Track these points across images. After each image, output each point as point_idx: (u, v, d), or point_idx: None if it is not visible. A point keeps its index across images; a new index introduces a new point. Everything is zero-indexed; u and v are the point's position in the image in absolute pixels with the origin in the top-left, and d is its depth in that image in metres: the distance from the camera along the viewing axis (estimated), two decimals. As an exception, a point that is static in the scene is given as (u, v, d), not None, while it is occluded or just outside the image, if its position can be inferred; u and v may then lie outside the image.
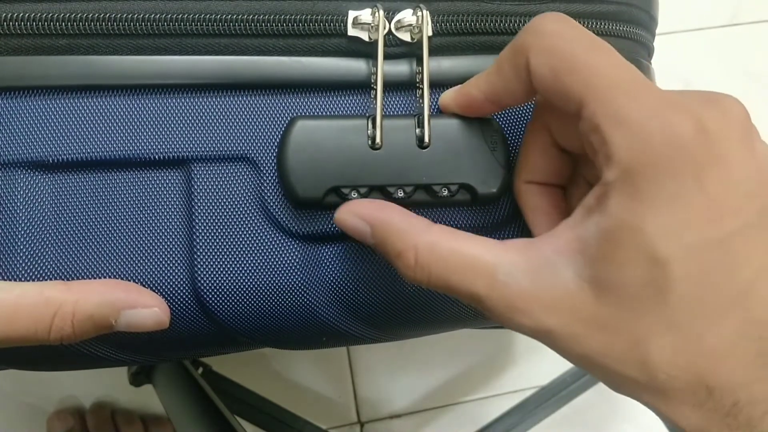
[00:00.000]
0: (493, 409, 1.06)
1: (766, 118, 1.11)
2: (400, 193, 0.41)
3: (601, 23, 0.45)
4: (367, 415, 1.06)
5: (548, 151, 0.41)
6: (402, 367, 1.06)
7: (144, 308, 0.39)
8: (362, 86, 0.43)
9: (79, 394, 1.01)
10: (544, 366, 1.07)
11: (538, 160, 0.41)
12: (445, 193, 0.41)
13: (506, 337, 1.08)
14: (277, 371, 1.04)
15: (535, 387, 1.06)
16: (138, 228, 0.42)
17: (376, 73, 0.41)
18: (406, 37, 0.42)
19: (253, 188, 0.42)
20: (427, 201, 0.42)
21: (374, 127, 0.41)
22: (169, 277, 0.42)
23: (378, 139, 0.40)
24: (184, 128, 0.41)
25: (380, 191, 0.41)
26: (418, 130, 0.41)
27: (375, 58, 0.42)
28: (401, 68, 0.43)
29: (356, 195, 0.41)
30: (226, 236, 0.42)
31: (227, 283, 0.42)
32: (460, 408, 1.08)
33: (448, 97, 0.42)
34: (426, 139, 0.41)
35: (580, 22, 0.44)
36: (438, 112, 0.43)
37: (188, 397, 0.84)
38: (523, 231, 0.45)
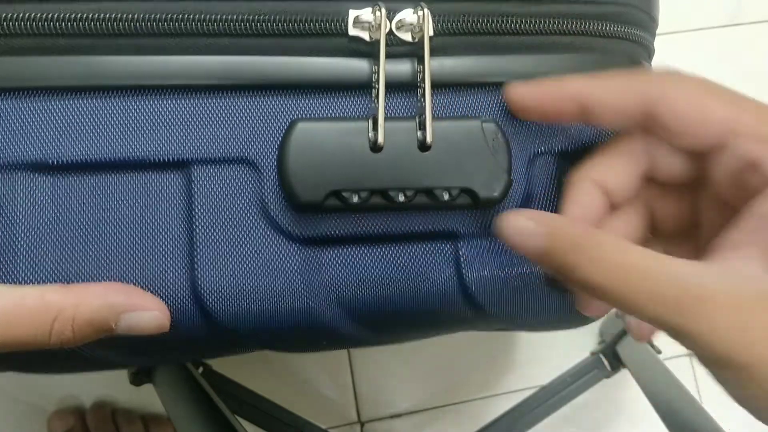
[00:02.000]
0: (493, 409, 1.06)
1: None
2: (401, 197, 0.41)
3: (601, 24, 0.45)
4: (367, 415, 1.06)
5: (632, 163, 0.41)
6: (402, 367, 1.06)
7: (144, 311, 0.39)
8: (363, 87, 0.43)
9: (80, 394, 1.01)
10: (544, 366, 1.07)
11: (617, 165, 0.41)
12: (447, 197, 0.41)
13: (506, 337, 1.08)
14: (277, 371, 1.04)
15: (535, 387, 1.06)
16: (138, 230, 0.42)
17: (377, 73, 0.41)
18: (407, 36, 0.42)
19: (253, 190, 0.42)
20: (428, 204, 0.41)
21: (375, 129, 0.40)
22: (169, 279, 0.42)
23: (380, 142, 0.40)
24: (184, 129, 0.41)
25: (381, 195, 0.41)
26: (419, 133, 0.41)
27: (376, 58, 0.42)
28: (402, 68, 0.43)
29: (357, 199, 0.40)
30: (227, 239, 0.42)
31: (228, 286, 0.42)
32: (460, 408, 1.08)
33: (524, 88, 0.41)
34: (428, 141, 0.40)
35: (581, 23, 0.44)
36: (439, 113, 0.43)
37: (188, 397, 0.84)
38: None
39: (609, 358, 1.05)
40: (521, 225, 0.38)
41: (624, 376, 1.04)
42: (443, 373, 1.07)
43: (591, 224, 0.40)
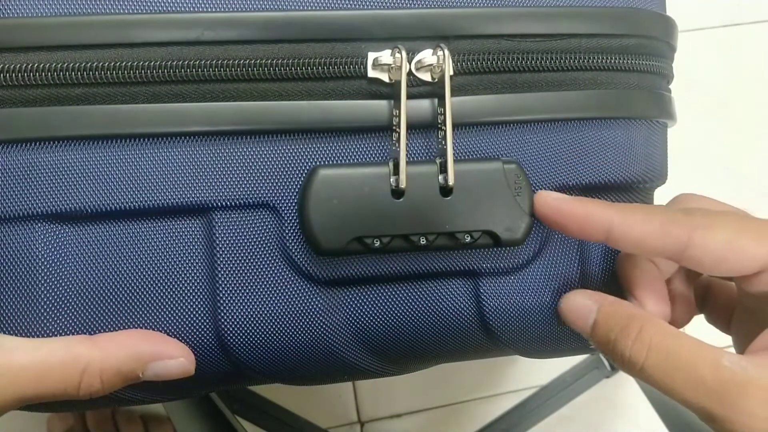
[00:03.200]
0: (493, 409, 1.06)
1: (766, 120, 1.12)
2: (423, 241, 0.41)
3: (623, 58, 0.44)
4: (367, 415, 1.06)
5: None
6: (402, 367, 1.06)
7: (170, 359, 0.39)
8: (384, 129, 0.42)
9: (79, 394, 1.00)
10: (544, 366, 1.07)
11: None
12: (468, 239, 0.41)
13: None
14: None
15: (535, 387, 1.06)
16: (161, 276, 0.41)
17: (398, 117, 0.41)
18: (426, 77, 0.42)
19: (274, 235, 0.42)
20: (449, 246, 0.41)
21: (396, 174, 0.40)
22: (193, 324, 0.42)
23: (401, 187, 0.40)
24: (203, 176, 0.41)
25: (403, 239, 0.41)
26: (440, 177, 0.40)
27: (397, 100, 0.41)
28: (422, 109, 0.42)
29: (378, 244, 0.40)
30: (249, 282, 0.42)
31: (250, 329, 0.42)
32: (460, 408, 1.08)
33: (554, 203, 0.41)
34: (449, 185, 0.40)
35: (602, 58, 0.44)
36: (459, 154, 0.43)
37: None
38: (543, 271, 0.45)
39: (609, 359, 1.05)
40: (579, 302, 0.42)
41: (624, 376, 1.05)
42: (443, 373, 1.07)
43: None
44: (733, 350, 0.39)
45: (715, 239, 0.37)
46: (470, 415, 1.07)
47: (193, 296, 0.42)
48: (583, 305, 0.41)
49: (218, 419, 0.82)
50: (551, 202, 0.41)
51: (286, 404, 1.00)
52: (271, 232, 0.42)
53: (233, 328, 0.42)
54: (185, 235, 0.42)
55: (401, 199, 0.40)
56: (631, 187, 0.46)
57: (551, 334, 0.46)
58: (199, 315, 0.42)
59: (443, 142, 0.41)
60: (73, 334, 0.40)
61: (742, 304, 0.43)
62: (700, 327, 0.46)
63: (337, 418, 1.05)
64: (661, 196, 0.48)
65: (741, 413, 0.34)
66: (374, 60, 0.41)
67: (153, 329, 0.41)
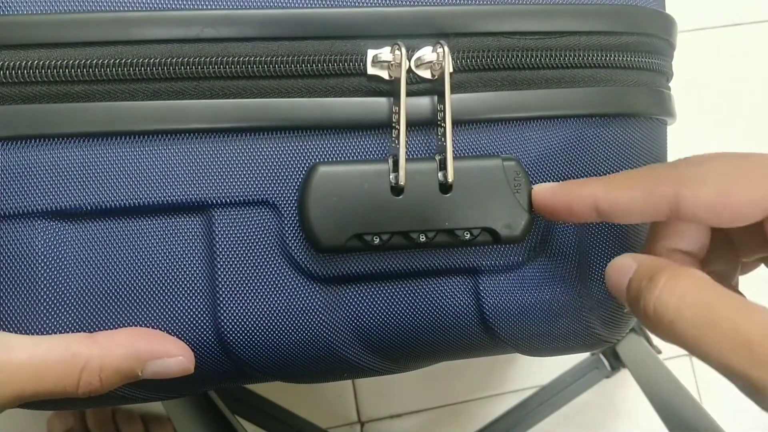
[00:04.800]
0: (493, 409, 1.06)
1: (765, 120, 1.12)
2: (422, 238, 0.41)
3: (622, 56, 0.44)
4: (367, 415, 1.06)
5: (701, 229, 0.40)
6: (402, 367, 1.06)
7: (169, 358, 0.39)
8: (383, 126, 0.42)
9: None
10: (544, 366, 1.07)
11: (689, 233, 0.40)
12: (467, 236, 0.41)
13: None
14: (278, 372, 1.04)
15: (535, 387, 1.06)
16: (160, 273, 0.41)
17: (398, 114, 0.41)
18: (426, 74, 0.42)
19: (274, 232, 0.42)
20: (448, 243, 0.41)
21: (396, 171, 0.40)
22: (192, 321, 0.42)
23: (401, 184, 0.40)
24: (203, 173, 0.41)
25: (403, 236, 0.41)
26: (440, 174, 0.41)
27: (396, 97, 0.41)
28: (421, 106, 0.42)
29: (378, 241, 0.40)
30: (249, 279, 0.42)
31: (250, 326, 0.42)
32: (460, 408, 1.08)
33: (543, 192, 0.41)
34: (449, 182, 0.40)
35: (601, 55, 0.44)
36: (459, 151, 0.43)
37: (189, 397, 0.84)
38: (542, 269, 0.45)
39: (609, 358, 1.05)
40: (619, 262, 0.38)
41: (624, 376, 1.05)
42: (443, 373, 1.07)
43: None
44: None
45: (705, 191, 0.34)
46: (470, 415, 1.07)
47: (193, 294, 0.42)
48: (623, 264, 0.38)
49: (218, 419, 0.82)
50: (540, 192, 0.41)
51: (286, 404, 1.00)
52: (271, 229, 0.42)
53: (233, 326, 0.42)
54: (185, 233, 0.42)
55: (401, 196, 0.40)
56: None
57: (551, 332, 0.46)
58: (199, 313, 0.42)
59: (443, 139, 0.41)
60: (72, 331, 0.40)
61: None
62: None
63: (337, 418, 1.05)
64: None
65: None
66: (374, 57, 0.41)
67: (152, 327, 0.41)
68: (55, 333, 0.40)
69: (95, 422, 0.98)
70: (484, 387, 1.08)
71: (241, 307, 0.42)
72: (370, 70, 0.41)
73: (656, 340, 0.98)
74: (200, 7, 0.41)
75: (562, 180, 0.44)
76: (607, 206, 0.37)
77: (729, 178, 0.34)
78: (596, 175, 0.44)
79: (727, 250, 0.41)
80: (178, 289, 0.42)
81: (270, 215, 0.42)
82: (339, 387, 1.06)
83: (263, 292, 0.42)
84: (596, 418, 1.09)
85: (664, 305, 0.33)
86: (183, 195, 0.41)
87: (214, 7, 0.41)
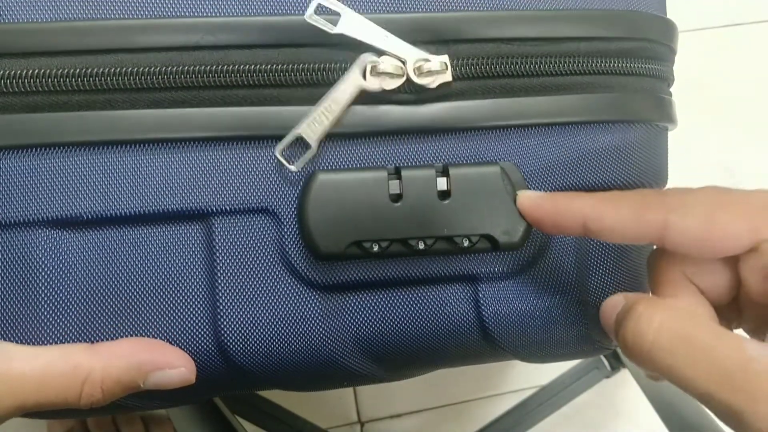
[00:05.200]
0: (493, 409, 1.06)
1: (765, 120, 1.12)
2: (421, 245, 0.41)
3: (621, 62, 0.44)
4: (367, 415, 1.06)
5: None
6: (402, 367, 1.06)
7: (171, 369, 0.39)
8: (382, 134, 0.42)
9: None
10: (544, 366, 1.07)
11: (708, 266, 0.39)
12: (466, 243, 0.41)
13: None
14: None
15: (535, 387, 1.06)
16: (160, 282, 0.41)
17: (397, 120, 0.41)
18: (425, 82, 0.41)
19: (274, 240, 0.42)
20: (447, 250, 0.41)
21: (395, 179, 0.40)
22: (193, 330, 0.42)
23: (399, 192, 0.40)
24: (203, 182, 0.41)
25: (402, 243, 0.41)
26: (438, 181, 0.41)
27: (394, 104, 0.42)
28: (421, 114, 0.42)
29: (377, 248, 0.40)
30: (249, 288, 0.42)
31: (250, 335, 0.42)
32: (460, 408, 1.08)
33: (529, 201, 0.41)
34: (447, 190, 0.41)
35: (600, 62, 0.44)
36: (457, 158, 0.43)
37: (188, 398, 0.84)
38: (542, 276, 0.45)
39: (609, 358, 1.05)
40: (611, 300, 0.39)
41: (624, 376, 1.05)
42: (443, 373, 1.06)
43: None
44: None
45: (691, 218, 0.35)
46: (470, 415, 1.07)
47: (193, 302, 0.42)
48: (613, 301, 0.39)
49: (218, 419, 0.82)
50: (526, 200, 0.41)
51: (286, 404, 1.00)
52: (271, 237, 0.42)
53: (233, 334, 0.42)
54: (185, 241, 0.42)
55: (399, 203, 0.40)
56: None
57: (550, 339, 0.46)
58: (199, 321, 0.42)
59: (441, 146, 0.41)
60: (73, 340, 0.40)
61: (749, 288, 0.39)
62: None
63: (337, 418, 1.05)
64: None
65: (761, 406, 0.29)
66: (372, 66, 0.41)
67: (153, 336, 0.41)
68: (56, 342, 0.40)
69: (95, 423, 0.98)
70: (484, 387, 1.09)
71: (241, 315, 0.42)
72: (369, 79, 0.41)
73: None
74: (200, 14, 0.41)
75: (560, 188, 0.44)
76: (594, 225, 0.38)
77: (716, 207, 0.35)
78: (597, 183, 0.44)
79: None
80: (178, 297, 0.42)
81: (269, 223, 0.42)
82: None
83: (263, 301, 0.42)
84: (596, 418, 1.10)
85: (642, 334, 0.34)
86: (183, 203, 0.41)
87: (213, 14, 0.41)
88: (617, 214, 0.37)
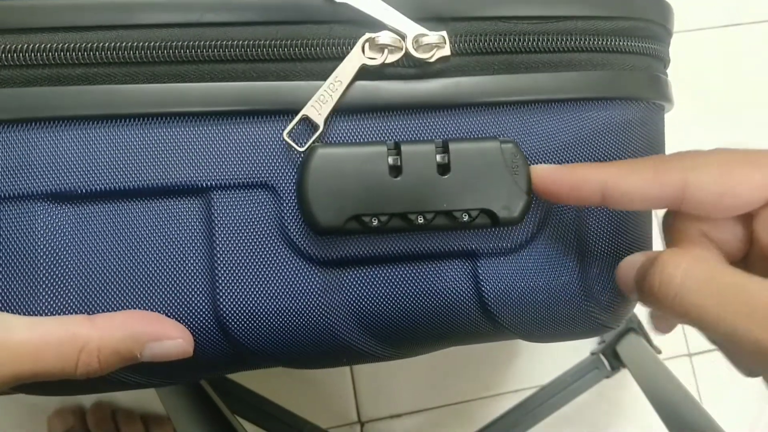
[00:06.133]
0: (493, 409, 1.06)
1: (765, 119, 1.12)
2: (421, 220, 0.41)
3: (618, 40, 0.45)
4: (367, 415, 1.06)
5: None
6: (402, 367, 1.06)
7: (168, 340, 0.39)
8: (381, 109, 0.43)
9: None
10: (544, 366, 1.07)
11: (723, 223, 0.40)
12: (466, 218, 0.41)
13: (506, 337, 1.08)
14: (278, 371, 1.03)
15: (535, 387, 1.06)
16: (159, 256, 0.42)
17: (397, 96, 0.41)
18: (424, 57, 0.42)
19: (273, 215, 0.42)
20: (447, 225, 0.42)
21: (394, 153, 0.40)
22: (191, 304, 0.42)
23: (399, 166, 0.40)
24: (202, 156, 0.41)
25: (401, 218, 0.41)
26: (438, 156, 0.41)
27: (394, 79, 0.42)
28: (420, 89, 0.43)
29: (377, 222, 0.40)
30: (248, 263, 0.42)
31: (249, 309, 0.42)
32: (460, 408, 1.08)
33: (547, 173, 0.41)
34: (447, 164, 0.41)
35: (597, 40, 0.44)
36: (457, 134, 0.43)
37: (189, 397, 0.84)
38: (541, 252, 0.45)
39: (609, 358, 1.05)
40: (628, 259, 0.40)
41: (624, 376, 1.05)
42: (443, 373, 1.07)
43: None
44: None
45: (709, 175, 0.36)
46: (470, 415, 1.07)
47: (192, 277, 0.42)
48: (632, 259, 0.40)
49: (218, 419, 0.82)
50: (543, 173, 0.41)
51: (286, 404, 1.00)
52: (270, 212, 0.42)
53: (232, 309, 0.42)
54: (184, 215, 0.42)
55: (399, 178, 0.40)
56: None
57: (550, 317, 0.46)
58: (198, 296, 0.42)
59: (441, 121, 0.42)
60: (71, 313, 0.41)
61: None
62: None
63: (337, 418, 1.05)
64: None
65: None
66: (372, 40, 0.41)
67: (152, 310, 0.42)
68: (55, 315, 0.40)
69: (95, 422, 0.98)
70: (484, 387, 1.08)
71: (240, 290, 0.42)
72: (368, 53, 0.41)
73: (656, 340, 0.99)
74: None
75: (560, 163, 0.44)
76: (614, 191, 0.38)
77: (731, 162, 0.36)
78: (594, 159, 0.45)
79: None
80: (177, 271, 0.42)
81: (269, 198, 0.42)
82: (339, 387, 1.06)
83: (262, 275, 0.42)
84: (596, 418, 1.09)
85: (668, 279, 0.34)
86: (182, 178, 0.41)
87: None
88: (637, 179, 0.37)
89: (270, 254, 0.42)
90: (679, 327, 0.42)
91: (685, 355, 1.12)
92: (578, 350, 1.09)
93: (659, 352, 0.99)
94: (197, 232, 0.42)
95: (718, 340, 0.37)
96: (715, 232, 0.39)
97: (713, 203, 0.36)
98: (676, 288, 0.34)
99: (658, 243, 0.45)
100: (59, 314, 0.40)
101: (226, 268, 0.42)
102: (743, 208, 0.36)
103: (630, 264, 0.39)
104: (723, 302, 0.32)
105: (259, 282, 0.42)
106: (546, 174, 0.41)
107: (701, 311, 0.33)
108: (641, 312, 1.01)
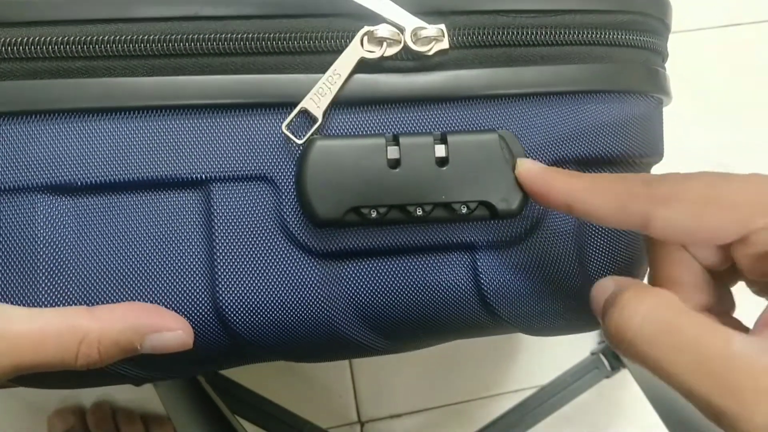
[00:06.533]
0: (493, 409, 1.06)
1: (766, 119, 1.12)
2: (419, 212, 0.41)
3: (616, 34, 0.45)
4: (367, 415, 1.06)
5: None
6: (402, 367, 1.06)
7: (168, 331, 0.39)
8: (379, 101, 0.43)
9: (80, 393, 1.01)
10: (544, 366, 1.07)
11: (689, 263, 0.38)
12: (464, 210, 0.41)
13: (507, 337, 1.08)
14: (278, 371, 1.04)
15: (535, 387, 1.06)
16: (159, 249, 0.42)
17: (394, 89, 0.41)
18: (423, 50, 0.42)
19: (272, 207, 0.42)
20: (445, 218, 0.42)
21: (392, 145, 0.41)
22: (191, 296, 0.42)
23: (397, 158, 0.40)
24: (202, 148, 0.41)
25: (400, 210, 0.41)
26: (436, 148, 0.41)
27: (392, 72, 0.42)
28: (419, 82, 0.43)
29: (375, 214, 0.40)
30: (247, 255, 0.42)
31: (249, 301, 0.42)
32: (460, 408, 1.08)
33: (526, 171, 0.41)
34: (445, 156, 0.41)
35: (596, 33, 0.44)
36: (455, 126, 0.44)
37: (189, 397, 0.84)
38: (540, 245, 0.45)
39: (609, 358, 1.05)
40: (600, 284, 0.38)
41: (624, 376, 1.05)
42: (443, 373, 1.07)
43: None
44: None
45: (679, 213, 0.34)
46: (470, 415, 1.07)
47: (191, 269, 0.42)
48: (603, 285, 0.37)
49: (218, 419, 0.82)
50: (524, 170, 0.41)
51: (286, 404, 1.00)
52: (269, 204, 0.42)
53: (231, 301, 0.42)
54: (183, 208, 0.42)
55: (397, 170, 0.40)
56: (628, 162, 0.46)
57: (549, 310, 0.47)
58: (197, 288, 0.42)
59: (439, 114, 0.42)
60: (71, 305, 0.41)
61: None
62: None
63: (337, 418, 1.05)
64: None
65: (758, 413, 0.28)
66: (370, 33, 0.41)
67: (151, 302, 0.42)
68: (55, 306, 0.40)
69: (95, 421, 0.98)
70: (484, 387, 1.08)
71: (239, 282, 0.42)
72: (367, 47, 0.42)
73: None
74: None
75: (560, 159, 0.45)
76: (578, 207, 0.38)
77: (704, 203, 0.34)
78: (593, 151, 0.45)
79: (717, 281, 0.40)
80: (176, 263, 0.42)
81: (268, 190, 0.42)
82: (339, 387, 1.06)
83: (261, 268, 0.42)
84: (596, 418, 1.09)
85: (626, 323, 0.33)
86: (182, 170, 0.41)
87: None
88: (601, 201, 0.37)
89: (269, 246, 0.42)
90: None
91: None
92: (578, 350, 1.09)
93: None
94: (196, 225, 0.42)
95: None
96: (693, 248, 0.38)
97: (681, 238, 0.35)
98: (630, 335, 0.32)
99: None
100: (59, 306, 0.41)
101: (226, 260, 0.42)
102: (713, 244, 0.35)
103: (601, 291, 0.37)
104: (678, 357, 0.31)
105: (258, 274, 0.42)
106: (525, 171, 0.41)
107: (657, 365, 0.31)
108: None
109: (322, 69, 0.41)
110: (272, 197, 0.42)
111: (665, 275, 0.39)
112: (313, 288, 0.43)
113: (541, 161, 0.43)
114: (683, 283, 0.38)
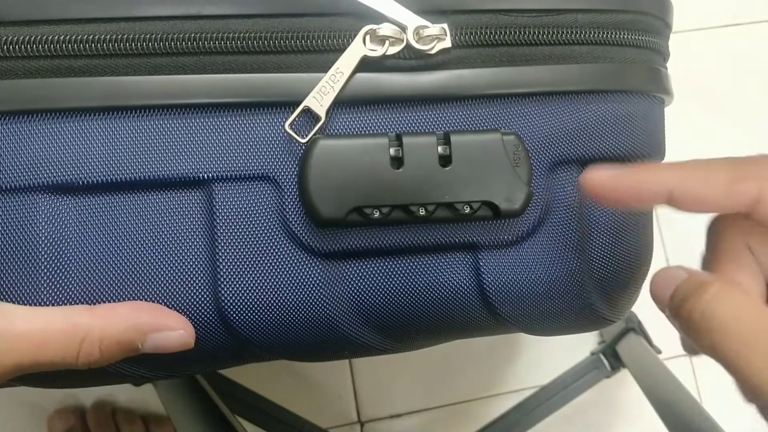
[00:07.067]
0: (493, 409, 1.06)
1: (767, 119, 1.12)
2: (422, 212, 0.41)
3: (618, 33, 0.45)
4: (367, 415, 1.06)
5: None
6: (402, 367, 1.06)
7: (169, 331, 0.39)
8: (383, 101, 0.43)
9: (80, 393, 1.01)
10: (544, 366, 1.07)
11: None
12: (467, 210, 0.41)
13: (507, 337, 1.08)
14: (278, 371, 1.04)
15: (535, 387, 1.06)
16: (161, 248, 0.42)
17: (397, 88, 0.42)
18: (425, 49, 0.42)
19: (274, 207, 0.42)
20: (448, 217, 0.42)
21: (396, 145, 0.41)
22: (193, 296, 0.42)
23: (400, 158, 0.40)
24: (204, 148, 0.41)
25: (402, 210, 0.41)
26: (439, 148, 0.41)
27: (395, 71, 0.42)
28: (421, 81, 0.43)
29: (378, 214, 0.40)
30: (249, 255, 0.42)
31: (251, 301, 0.42)
32: (460, 408, 1.08)
33: (605, 178, 0.38)
34: (448, 157, 0.41)
35: (597, 33, 0.44)
36: (458, 126, 0.44)
37: (189, 397, 0.84)
38: (543, 245, 0.45)
39: (609, 358, 1.05)
40: (667, 272, 0.37)
41: (624, 376, 1.05)
42: (443, 373, 1.07)
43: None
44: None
45: None
46: (470, 415, 1.07)
47: (193, 268, 0.42)
48: (673, 272, 0.37)
49: (218, 419, 0.82)
50: (603, 179, 0.38)
51: (286, 404, 1.00)
52: (271, 204, 0.42)
53: (233, 301, 0.42)
54: (185, 207, 0.42)
55: (400, 170, 0.40)
56: (630, 162, 0.46)
57: (552, 310, 0.46)
58: (199, 287, 0.42)
59: (443, 113, 0.42)
60: (73, 304, 0.41)
61: None
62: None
63: (337, 418, 1.05)
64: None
65: None
66: (373, 32, 0.41)
67: (153, 301, 0.42)
68: (56, 305, 0.40)
69: (95, 421, 0.98)
70: (484, 387, 1.08)
71: (242, 281, 0.42)
72: (369, 45, 0.42)
73: (656, 340, 0.98)
74: None
75: (562, 159, 0.45)
76: (684, 197, 0.36)
77: None
78: (594, 151, 0.45)
79: None
80: (178, 263, 0.42)
81: (270, 190, 0.42)
82: (339, 387, 1.06)
83: (263, 267, 0.42)
84: (596, 418, 1.09)
85: (711, 312, 0.33)
86: (184, 169, 0.41)
87: None
88: (708, 184, 0.35)
89: (271, 246, 0.42)
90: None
91: (686, 355, 1.12)
92: (578, 350, 1.09)
93: (659, 352, 0.99)
94: (199, 224, 0.42)
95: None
96: (761, 247, 0.37)
97: None
98: (716, 324, 0.32)
99: (658, 241, 0.45)
100: (61, 305, 0.40)
101: (228, 259, 0.42)
102: None
103: (668, 278, 0.37)
104: (759, 359, 0.31)
105: (260, 274, 0.42)
106: (606, 180, 0.38)
107: (735, 357, 0.31)
108: (641, 312, 1.01)
109: (325, 68, 0.41)
110: (274, 197, 0.42)
111: (728, 278, 0.38)
112: (315, 288, 0.43)
113: (543, 160, 0.43)
114: (746, 290, 0.37)
